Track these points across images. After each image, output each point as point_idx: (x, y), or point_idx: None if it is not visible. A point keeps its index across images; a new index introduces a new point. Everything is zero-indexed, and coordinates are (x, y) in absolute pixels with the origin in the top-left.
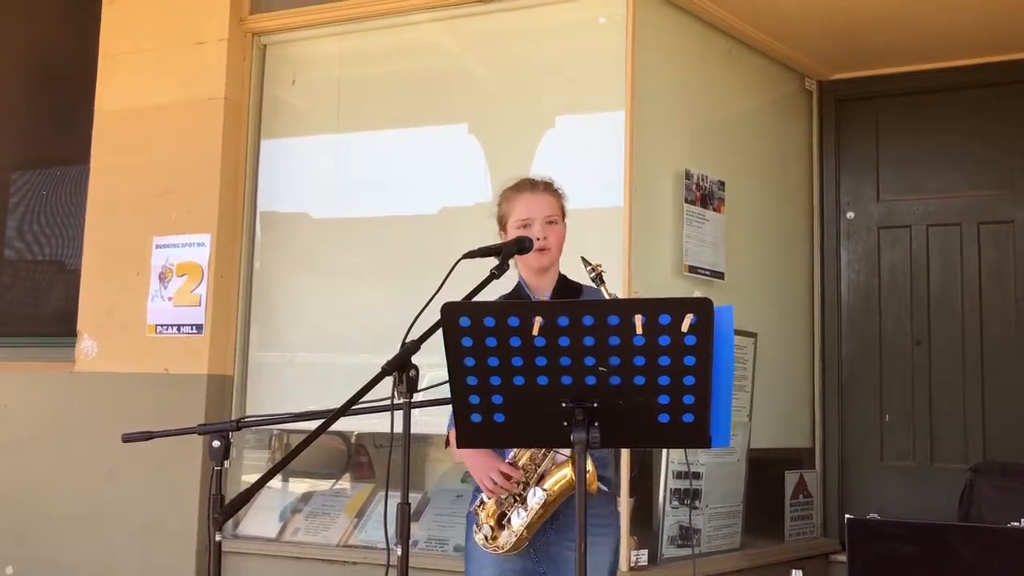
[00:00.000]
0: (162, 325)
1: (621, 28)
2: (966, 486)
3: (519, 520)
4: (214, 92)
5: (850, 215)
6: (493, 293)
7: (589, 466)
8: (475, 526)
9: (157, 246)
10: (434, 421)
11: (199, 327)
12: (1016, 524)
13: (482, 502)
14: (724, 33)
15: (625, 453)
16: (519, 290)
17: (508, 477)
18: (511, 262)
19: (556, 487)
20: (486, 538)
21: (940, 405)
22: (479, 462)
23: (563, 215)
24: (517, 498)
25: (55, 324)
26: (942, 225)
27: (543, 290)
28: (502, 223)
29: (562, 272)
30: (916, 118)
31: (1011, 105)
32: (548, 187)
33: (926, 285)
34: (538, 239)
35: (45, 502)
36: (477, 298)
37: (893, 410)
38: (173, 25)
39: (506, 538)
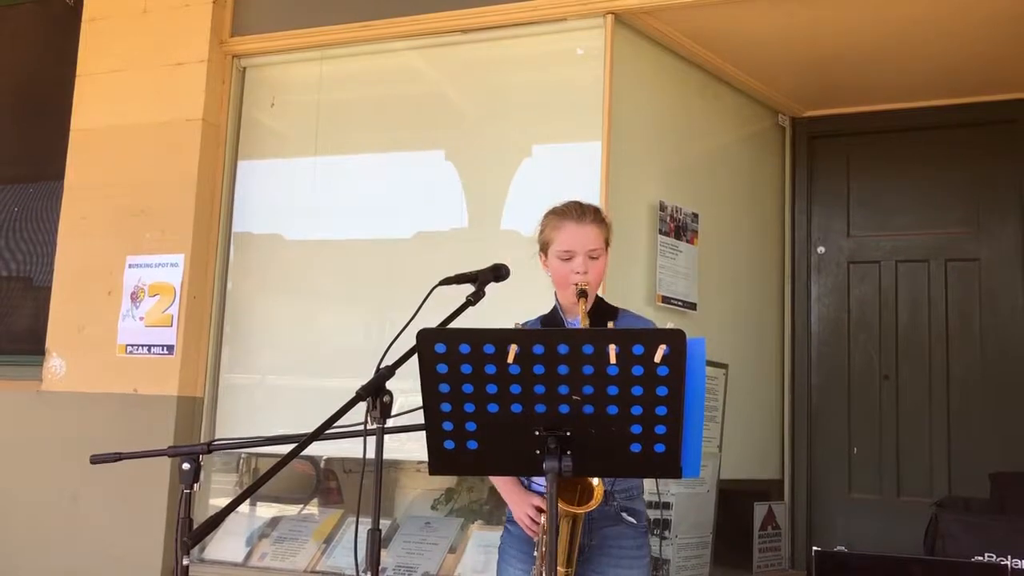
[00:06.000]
0: (132, 345)
1: (599, 60)
2: (931, 520)
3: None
4: (192, 113)
5: (821, 250)
6: (530, 314)
7: (596, 480)
8: (533, 568)
9: (130, 265)
10: (406, 447)
11: (170, 348)
12: (980, 559)
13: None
14: (700, 68)
15: None
16: (554, 314)
17: (542, 511)
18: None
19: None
20: None
21: (907, 439)
22: (515, 499)
23: (607, 245)
24: None
25: (23, 342)
26: (910, 261)
27: (578, 314)
28: (544, 247)
29: (599, 295)
30: (886, 156)
31: (977, 145)
32: (596, 217)
33: (894, 320)
34: (578, 272)
35: (8, 523)
36: (452, 325)
37: (861, 443)
38: (153, 45)
39: (562, 574)
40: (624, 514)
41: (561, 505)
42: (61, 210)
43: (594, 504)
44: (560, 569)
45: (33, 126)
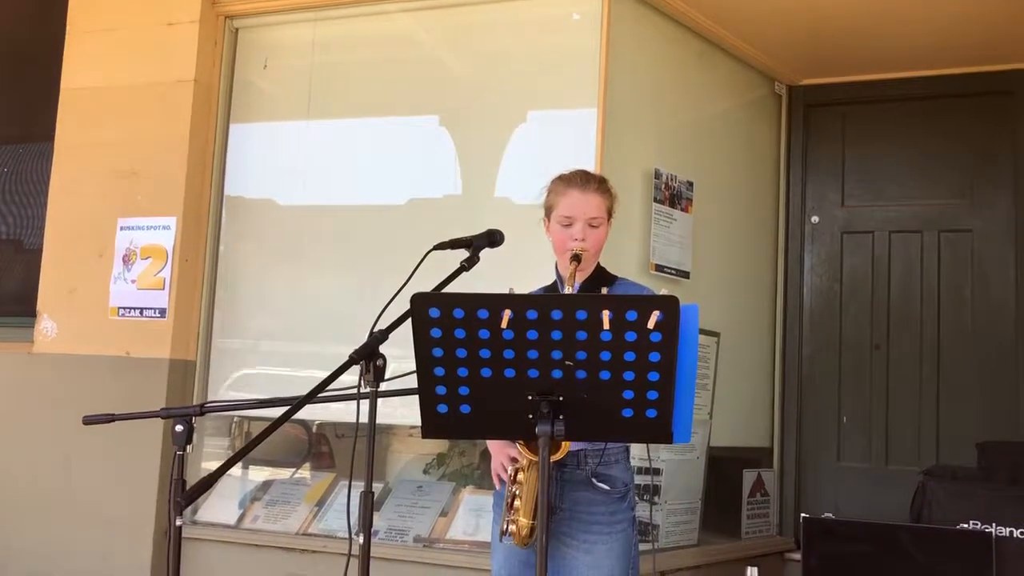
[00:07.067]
0: (124, 308)
1: (595, 25)
2: (918, 488)
3: (518, 503)
4: (184, 74)
5: (815, 219)
6: (533, 285)
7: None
8: (502, 520)
9: (121, 228)
10: (398, 412)
11: (162, 311)
12: (964, 526)
13: (510, 497)
14: (697, 35)
15: None
16: (554, 283)
17: (515, 460)
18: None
19: (524, 461)
20: (505, 532)
21: (896, 408)
22: (494, 450)
23: (609, 216)
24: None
25: (14, 303)
26: (903, 232)
27: (576, 283)
28: (547, 212)
29: (601, 264)
30: (881, 126)
31: (973, 116)
32: (600, 186)
33: (886, 290)
34: (576, 239)
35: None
36: (446, 290)
37: (851, 412)
38: (144, 4)
39: (524, 526)
40: (595, 480)
41: (527, 453)
42: (51, 171)
43: (560, 455)
44: (523, 520)
45: (22, 85)
